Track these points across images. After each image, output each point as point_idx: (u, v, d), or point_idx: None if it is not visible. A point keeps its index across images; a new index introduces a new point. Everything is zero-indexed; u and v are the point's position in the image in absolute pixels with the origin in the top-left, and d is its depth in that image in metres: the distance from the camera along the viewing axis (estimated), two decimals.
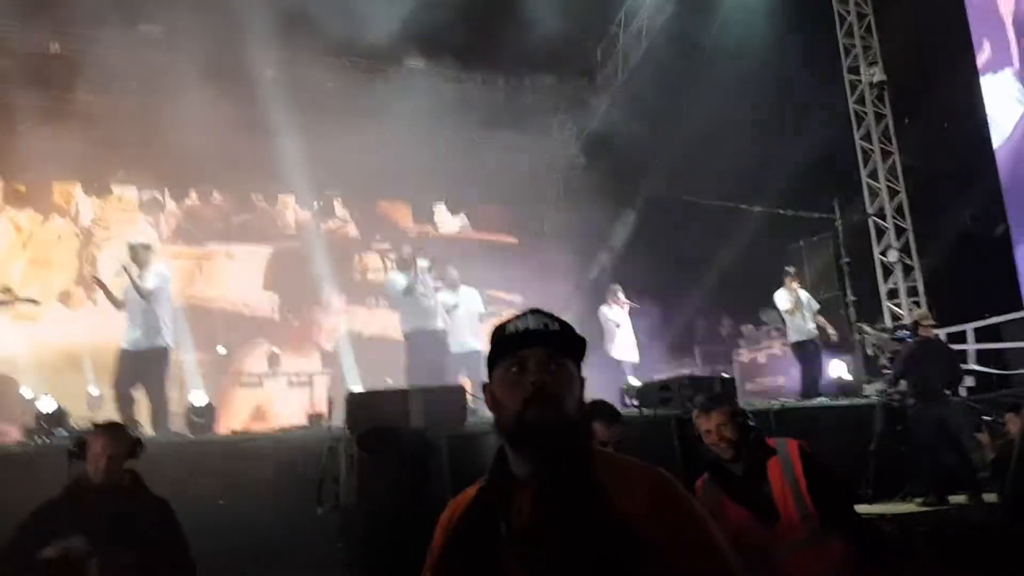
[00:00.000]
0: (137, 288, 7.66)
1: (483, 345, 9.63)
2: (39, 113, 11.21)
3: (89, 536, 3.36)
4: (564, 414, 1.69)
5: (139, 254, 7.85)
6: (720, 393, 4.78)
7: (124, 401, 7.51)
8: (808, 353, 10.02)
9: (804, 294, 10.33)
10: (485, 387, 1.80)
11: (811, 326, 10.10)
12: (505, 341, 1.77)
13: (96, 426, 3.87)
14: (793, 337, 10.20)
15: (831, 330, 10.20)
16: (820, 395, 9.17)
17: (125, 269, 7.79)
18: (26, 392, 10.09)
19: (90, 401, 9.81)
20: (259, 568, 5.59)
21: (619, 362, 10.71)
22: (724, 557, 1.64)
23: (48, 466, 5.23)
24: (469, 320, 9.79)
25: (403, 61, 13.53)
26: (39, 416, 7.24)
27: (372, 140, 12.57)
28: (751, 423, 3.53)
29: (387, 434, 5.74)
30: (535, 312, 1.80)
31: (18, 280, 12.51)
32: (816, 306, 10.33)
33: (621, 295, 11.01)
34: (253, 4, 10.88)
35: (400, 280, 9.22)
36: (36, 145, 11.12)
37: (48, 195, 13.12)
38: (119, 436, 3.76)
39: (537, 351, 1.72)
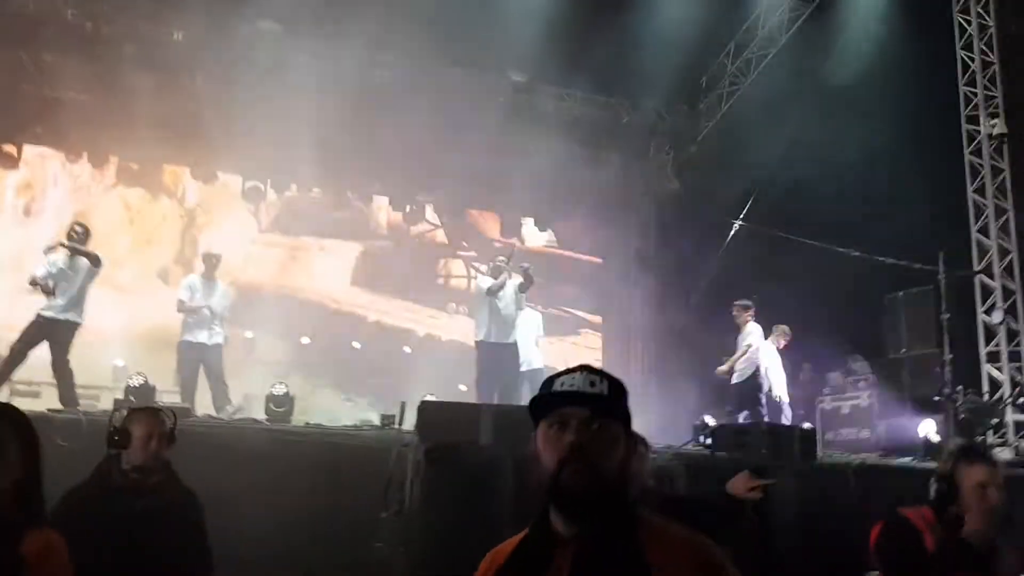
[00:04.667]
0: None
1: (544, 364, 9.76)
2: (156, 95, 11.62)
3: (111, 535, 3.29)
4: (600, 479, 1.65)
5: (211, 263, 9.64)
6: (982, 444, 4.29)
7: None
8: None
9: None
10: (532, 439, 1.76)
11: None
12: (550, 397, 1.73)
13: (136, 411, 3.77)
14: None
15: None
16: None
17: None
18: (117, 362, 10.50)
19: (176, 378, 10.08)
20: (319, 562, 5.68)
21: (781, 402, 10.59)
22: None
23: None
24: (532, 339, 9.95)
25: (506, 73, 13.59)
26: (128, 389, 7.54)
27: (468, 150, 12.67)
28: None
29: (455, 447, 5.76)
30: (585, 369, 1.75)
31: (121, 254, 13.05)
32: None
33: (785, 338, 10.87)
34: (368, 7, 11.13)
35: (486, 282, 9.56)
36: (151, 127, 11.55)
37: (159, 176, 13.66)
38: (162, 419, 3.67)
39: (579, 411, 1.68)
